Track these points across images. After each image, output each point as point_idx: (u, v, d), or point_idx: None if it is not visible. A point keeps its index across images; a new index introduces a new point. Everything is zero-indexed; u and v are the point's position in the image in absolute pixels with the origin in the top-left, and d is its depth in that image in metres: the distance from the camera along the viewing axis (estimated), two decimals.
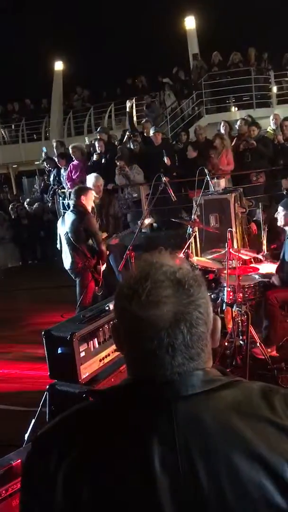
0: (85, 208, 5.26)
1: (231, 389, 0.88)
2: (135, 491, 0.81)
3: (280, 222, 4.67)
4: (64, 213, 9.07)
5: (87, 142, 9.48)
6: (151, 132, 8.50)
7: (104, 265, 5.50)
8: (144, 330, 0.85)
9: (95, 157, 8.59)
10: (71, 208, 5.41)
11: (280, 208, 4.62)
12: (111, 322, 3.06)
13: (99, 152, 8.64)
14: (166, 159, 7.85)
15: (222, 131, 8.54)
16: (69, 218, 5.30)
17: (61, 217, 5.74)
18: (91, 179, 6.05)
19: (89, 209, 5.33)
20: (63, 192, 9.43)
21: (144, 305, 0.85)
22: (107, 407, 0.90)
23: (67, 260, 5.44)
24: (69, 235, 5.25)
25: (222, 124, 8.67)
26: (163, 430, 0.83)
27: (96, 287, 5.45)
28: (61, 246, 5.66)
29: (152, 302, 0.85)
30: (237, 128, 8.35)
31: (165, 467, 0.81)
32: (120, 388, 0.93)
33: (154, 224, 7.31)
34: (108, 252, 5.84)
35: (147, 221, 5.44)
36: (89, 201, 5.32)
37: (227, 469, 0.80)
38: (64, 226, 5.42)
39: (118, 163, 8.07)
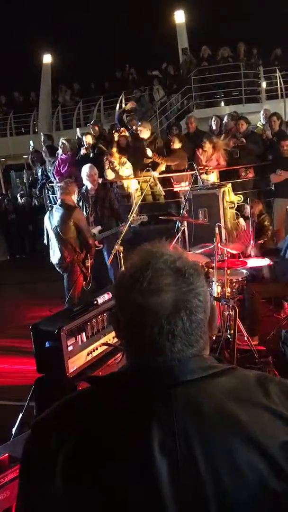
0: (73, 203, 5.32)
1: (228, 376, 0.90)
2: (135, 476, 0.82)
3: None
4: (52, 207, 9.05)
5: (78, 134, 9.42)
6: (139, 127, 8.47)
7: (92, 260, 5.50)
8: (144, 318, 0.87)
9: (82, 151, 8.56)
10: (59, 203, 5.43)
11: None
12: (110, 311, 3.08)
13: (86, 146, 8.61)
14: (148, 151, 7.87)
15: (214, 127, 8.52)
16: (57, 212, 5.31)
17: (48, 212, 5.68)
18: (85, 169, 6.11)
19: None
20: (52, 186, 9.37)
21: (145, 293, 0.87)
22: (107, 393, 0.91)
23: (55, 255, 5.43)
24: (58, 229, 5.26)
25: (213, 119, 8.65)
26: (162, 415, 0.84)
27: (84, 282, 5.45)
28: (48, 241, 5.64)
29: (153, 290, 0.87)
30: (224, 124, 8.35)
31: (164, 451, 0.82)
32: (119, 374, 0.94)
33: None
34: (101, 246, 5.87)
35: (139, 218, 5.49)
36: (74, 196, 5.43)
37: (224, 453, 0.82)
38: (52, 220, 5.40)
39: (107, 158, 8.03)
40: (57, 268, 5.55)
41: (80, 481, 0.84)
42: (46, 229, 5.62)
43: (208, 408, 0.85)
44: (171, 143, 8.22)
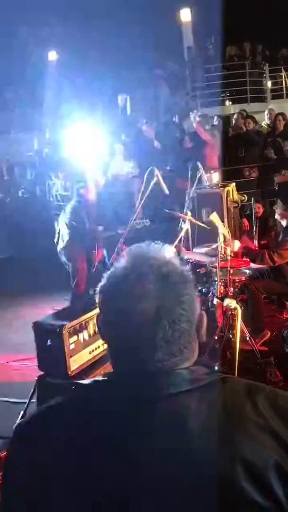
0: (86, 198, 5.73)
1: (215, 389, 0.86)
2: (111, 488, 0.80)
3: (277, 215, 4.75)
4: (57, 205, 9.08)
5: None
6: (143, 126, 8.47)
7: (101, 249, 5.69)
8: (125, 324, 0.84)
9: None
10: (75, 196, 5.94)
11: (279, 202, 4.67)
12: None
13: None
14: (156, 143, 7.88)
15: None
16: (70, 203, 5.83)
17: (62, 211, 6.12)
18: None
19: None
20: (54, 183, 9.38)
21: (126, 298, 0.84)
22: (87, 402, 0.88)
23: (63, 241, 5.70)
24: (68, 216, 5.66)
25: (215, 118, 8.65)
26: (143, 431, 0.81)
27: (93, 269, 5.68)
28: (58, 238, 5.90)
29: (134, 295, 0.83)
30: (234, 121, 8.34)
31: (144, 468, 0.79)
32: (101, 382, 0.91)
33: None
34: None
35: (142, 222, 5.58)
36: (90, 193, 5.81)
37: (208, 472, 0.78)
38: (64, 214, 5.81)
39: None
40: (63, 257, 5.72)
41: (56, 487, 0.82)
42: (59, 229, 5.91)
43: (193, 425, 0.81)
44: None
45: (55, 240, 5.97)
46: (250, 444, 0.80)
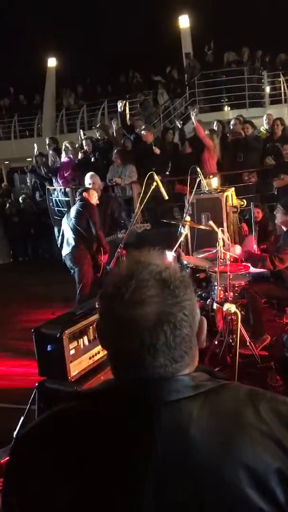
0: (89, 201, 5.79)
1: (217, 395, 0.86)
2: (114, 500, 0.79)
3: (278, 220, 4.75)
4: (57, 210, 9.09)
5: (82, 137, 9.46)
6: (142, 132, 8.49)
7: (105, 255, 5.77)
8: (126, 330, 0.83)
9: (80, 155, 8.60)
10: (79, 197, 5.97)
11: (279, 207, 4.68)
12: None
13: (84, 150, 8.66)
14: (155, 149, 7.89)
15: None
16: (74, 207, 5.90)
17: (66, 213, 6.18)
18: (87, 178, 6.36)
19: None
20: (54, 189, 9.40)
21: (127, 305, 0.83)
22: (87, 411, 0.88)
23: (69, 245, 5.76)
24: (73, 221, 5.72)
25: (215, 124, 8.68)
26: (144, 438, 0.81)
27: (97, 274, 5.73)
28: (62, 241, 6.02)
29: (135, 301, 0.83)
30: (231, 127, 8.37)
31: (146, 476, 0.79)
32: (103, 390, 0.91)
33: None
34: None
35: (142, 226, 5.63)
36: (92, 197, 5.86)
37: (211, 479, 0.78)
38: (69, 217, 5.87)
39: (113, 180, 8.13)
40: (68, 261, 5.78)
41: (55, 499, 0.82)
42: (63, 230, 6.03)
43: (195, 432, 0.80)
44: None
45: (58, 244, 6.03)
46: (253, 450, 0.80)
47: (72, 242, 5.71)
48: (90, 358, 3.11)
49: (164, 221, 6.05)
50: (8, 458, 0.93)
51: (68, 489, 0.82)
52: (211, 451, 0.80)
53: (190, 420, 0.82)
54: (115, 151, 8.22)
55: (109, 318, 0.87)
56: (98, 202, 5.97)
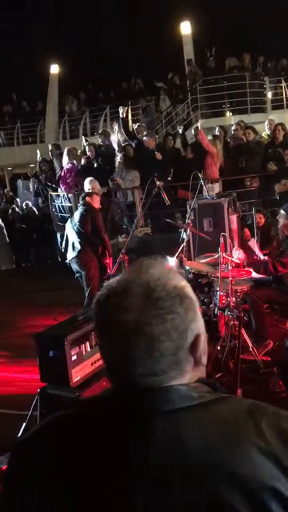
0: (92, 205, 5.87)
1: (215, 408, 0.83)
2: (110, 508, 0.79)
3: (280, 225, 4.77)
4: (59, 216, 9.12)
5: (84, 143, 9.51)
6: (144, 138, 8.52)
7: (110, 258, 5.83)
8: (110, 335, 0.85)
9: (83, 161, 8.64)
10: (82, 202, 6.03)
11: (282, 212, 4.69)
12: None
13: (87, 156, 8.70)
14: (157, 154, 7.92)
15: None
16: (78, 212, 5.97)
17: (69, 218, 6.24)
18: (86, 183, 6.45)
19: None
20: (58, 195, 9.43)
21: (112, 310, 0.84)
22: (86, 417, 0.88)
23: (75, 249, 5.82)
24: (77, 225, 5.79)
25: (217, 129, 8.71)
26: (136, 447, 0.80)
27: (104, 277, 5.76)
28: (66, 246, 6.05)
29: (119, 307, 0.84)
30: (233, 132, 8.39)
31: (138, 484, 0.78)
32: (100, 397, 0.92)
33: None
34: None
35: (143, 230, 5.67)
36: (95, 202, 5.94)
37: (207, 496, 0.77)
38: (73, 222, 5.94)
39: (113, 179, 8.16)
40: (74, 265, 5.85)
41: (55, 502, 0.82)
42: (66, 234, 6.10)
43: (188, 444, 0.79)
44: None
45: (62, 249, 6.06)
46: (249, 467, 0.77)
47: (78, 246, 5.79)
48: (92, 363, 3.11)
49: (168, 220, 6.07)
50: (7, 463, 0.94)
51: (66, 494, 0.82)
52: (204, 464, 0.78)
53: (184, 432, 0.80)
54: (119, 156, 8.26)
55: (98, 323, 0.89)
56: (100, 207, 6.01)
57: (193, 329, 0.86)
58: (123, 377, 0.85)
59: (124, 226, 7.22)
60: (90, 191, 6.24)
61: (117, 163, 8.24)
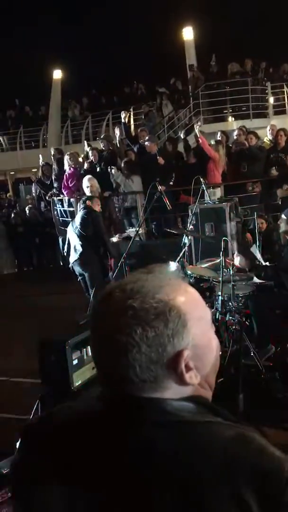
0: (92, 208, 5.93)
1: (192, 430, 0.79)
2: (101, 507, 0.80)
3: (282, 230, 4.77)
4: (61, 220, 9.14)
5: (87, 148, 9.54)
6: (146, 143, 8.54)
7: (111, 259, 5.91)
8: (94, 339, 0.88)
9: (86, 165, 8.67)
10: (83, 206, 6.08)
11: (283, 217, 4.69)
12: None
13: (91, 161, 8.72)
14: (159, 159, 7.94)
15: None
16: (78, 215, 6.03)
17: (71, 222, 6.29)
18: (85, 181, 6.61)
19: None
20: (60, 200, 9.45)
21: (98, 315, 0.87)
22: (84, 420, 0.89)
23: (76, 251, 5.88)
24: (78, 228, 5.85)
25: (218, 134, 8.72)
26: (114, 454, 0.81)
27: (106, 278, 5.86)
28: (68, 249, 6.11)
29: (98, 313, 0.86)
30: (235, 137, 8.40)
31: (121, 494, 0.79)
32: (96, 399, 0.93)
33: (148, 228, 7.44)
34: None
35: (140, 230, 5.70)
36: (95, 205, 6.01)
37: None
38: (74, 225, 6.00)
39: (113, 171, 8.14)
40: (77, 267, 5.89)
41: (54, 501, 0.83)
42: (68, 238, 6.15)
43: (158, 460, 0.77)
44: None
45: (64, 252, 6.10)
46: (215, 508, 0.73)
47: (80, 249, 5.85)
48: (93, 368, 3.11)
49: (168, 230, 6.08)
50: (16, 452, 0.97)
51: (62, 493, 0.83)
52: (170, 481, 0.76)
53: (153, 447, 0.78)
54: (123, 161, 8.28)
55: (90, 330, 0.91)
56: (101, 210, 6.05)
57: (175, 345, 0.81)
58: (104, 381, 0.87)
59: (118, 221, 7.25)
60: (88, 189, 6.32)
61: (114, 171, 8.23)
